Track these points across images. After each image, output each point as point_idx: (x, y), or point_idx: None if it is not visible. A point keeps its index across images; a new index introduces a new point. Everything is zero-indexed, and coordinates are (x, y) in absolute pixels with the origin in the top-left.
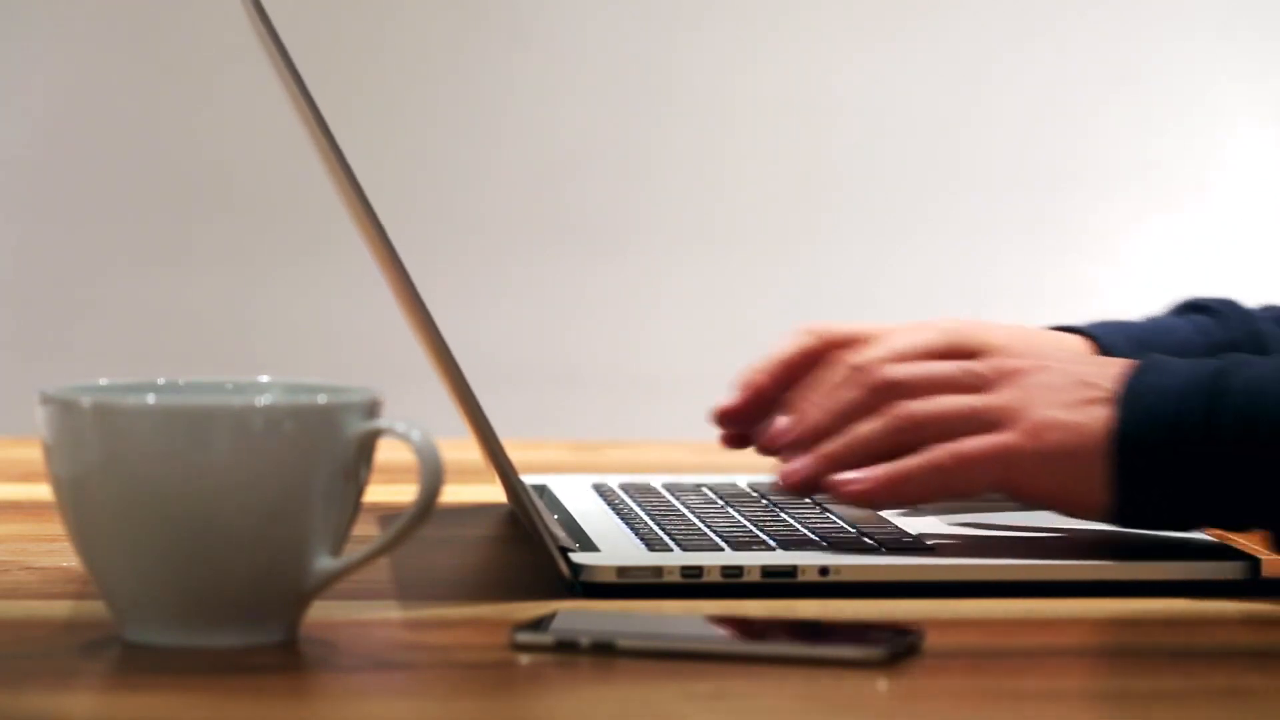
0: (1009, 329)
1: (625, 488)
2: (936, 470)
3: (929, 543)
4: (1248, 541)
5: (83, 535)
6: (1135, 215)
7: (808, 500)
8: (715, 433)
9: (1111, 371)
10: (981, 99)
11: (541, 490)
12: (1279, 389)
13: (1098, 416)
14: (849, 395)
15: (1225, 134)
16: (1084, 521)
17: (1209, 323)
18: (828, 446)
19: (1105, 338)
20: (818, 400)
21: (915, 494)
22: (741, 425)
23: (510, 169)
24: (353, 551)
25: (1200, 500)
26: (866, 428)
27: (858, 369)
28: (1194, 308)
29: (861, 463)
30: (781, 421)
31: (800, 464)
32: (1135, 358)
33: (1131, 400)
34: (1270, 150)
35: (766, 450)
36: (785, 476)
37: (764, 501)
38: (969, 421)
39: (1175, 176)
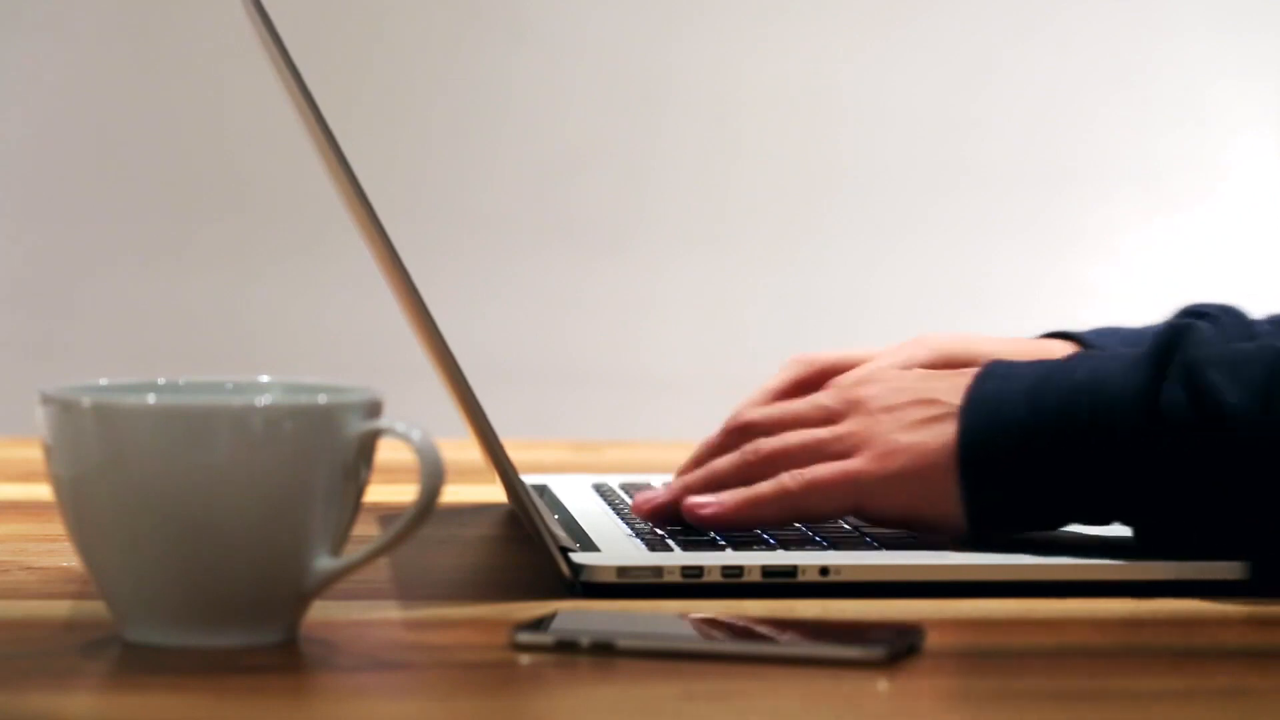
0: (1004, 341)
1: (625, 488)
2: (785, 494)
3: (929, 543)
4: None
5: (83, 535)
6: (1136, 216)
7: None
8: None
9: (960, 384)
10: (982, 99)
11: (541, 490)
12: (1119, 383)
13: (941, 433)
14: (710, 440)
15: (1226, 135)
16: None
17: (1209, 328)
18: (685, 479)
19: (1100, 344)
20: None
21: (767, 517)
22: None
23: (510, 168)
24: (353, 551)
25: (1050, 501)
26: (720, 461)
27: (735, 423)
28: (1194, 314)
29: (715, 490)
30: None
31: (655, 492)
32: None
33: (971, 410)
34: (1271, 151)
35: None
36: (640, 504)
37: None
38: (816, 453)
39: (1176, 177)
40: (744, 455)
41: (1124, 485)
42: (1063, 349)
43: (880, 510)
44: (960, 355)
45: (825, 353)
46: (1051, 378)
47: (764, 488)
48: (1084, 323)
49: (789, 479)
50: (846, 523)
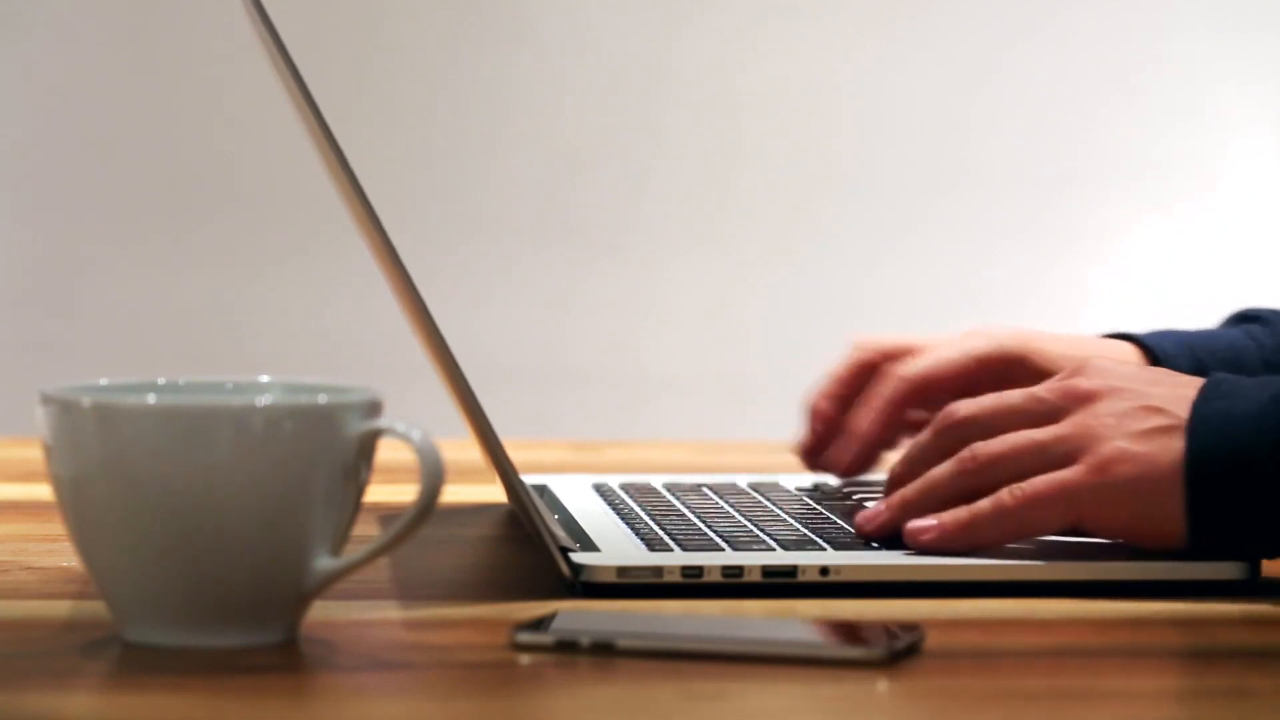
0: (1061, 338)
1: (625, 488)
2: (1004, 514)
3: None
4: None
5: (83, 535)
6: (1135, 216)
7: (808, 500)
8: (716, 432)
9: (1181, 394)
10: (982, 100)
11: (542, 490)
12: None
13: (1168, 447)
14: (922, 439)
15: (1226, 135)
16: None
17: (1262, 331)
18: (904, 492)
19: (1159, 346)
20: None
21: (987, 538)
22: (821, 452)
23: (510, 168)
24: (353, 551)
25: (1272, 526)
26: (937, 471)
27: (947, 420)
28: (1245, 317)
29: (934, 506)
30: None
31: (876, 510)
32: (1194, 369)
33: (1201, 428)
34: (1270, 152)
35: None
36: (863, 523)
37: (764, 501)
38: (1037, 458)
39: (1176, 177)
40: (961, 463)
41: None
42: (1121, 349)
43: (1099, 524)
44: (1018, 351)
45: (885, 337)
46: (1276, 405)
47: (983, 508)
48: (1085, 323)
49: (1008, 496)
50: (841, 519)
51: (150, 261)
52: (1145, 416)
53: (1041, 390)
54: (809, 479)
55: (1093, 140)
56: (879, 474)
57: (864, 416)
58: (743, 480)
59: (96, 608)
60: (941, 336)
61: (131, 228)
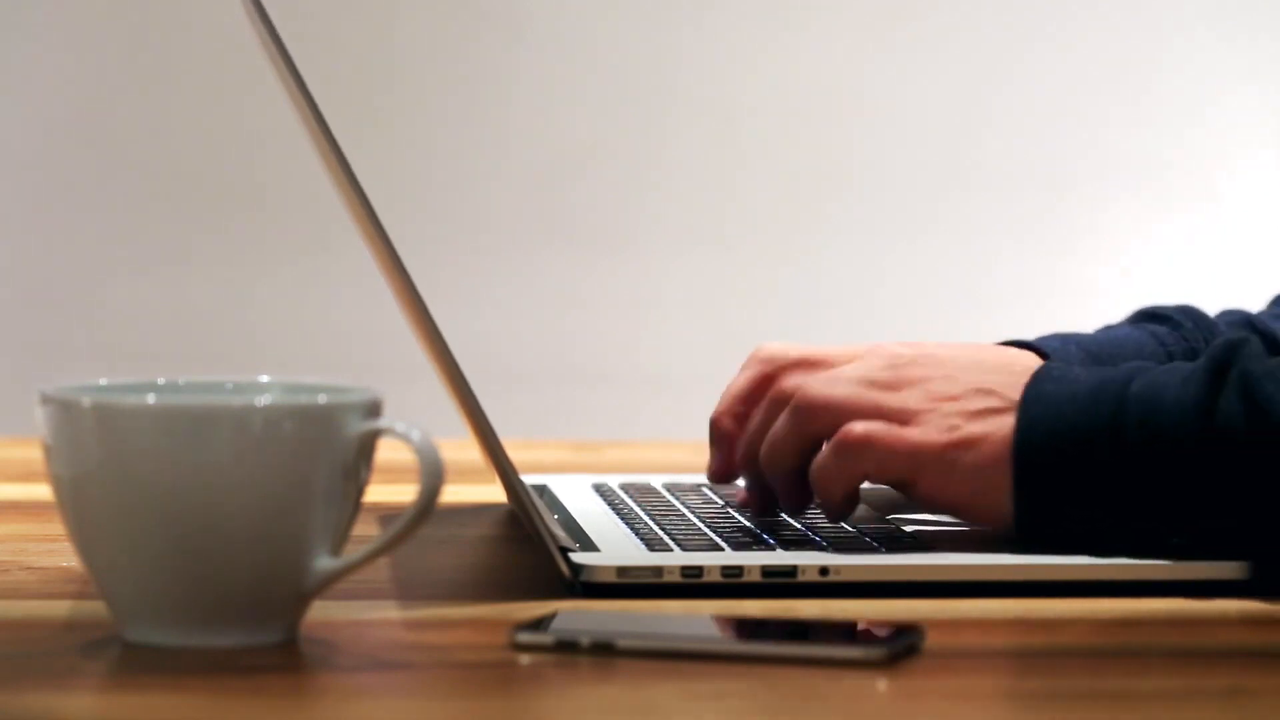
0: (955, 347)
1: (625, 488)
2: (846, 448)
3: (929, 542)
4: None
5: (83, 535)
6: (1138, 218)
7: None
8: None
9: (1014, 380)
10: (987, 100)
11: (541, 490)
12: (1176, 394)
13: (1000, 425)
14: (760, 415)
15: (1231, 137)
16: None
17: (1167, 332)
18: (761, 459)
19: (1057, 352)
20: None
21: (831, 472)
22: (732, 474)
23: (510, 168)
24: (353, 551)
25: (1101, 507)
26: (778, 426)
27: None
28: (1151, 316)
29: (783, 460)
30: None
31: (741, 493)
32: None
33: (1032, 409)
34: (1273, 154)
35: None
36: (743, 504)
37: None
38: (872, 412)
39: (1181, 179)
40: (795, 407)
41: (1177, 496)
42: (1021, 357)
43: (931, 490)
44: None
45: (787, 348)
46: (1107, 387)
47: (824, 453)
48: (1085, 324)
49: (857, 427)
50: (846, 524)
51: (150, 261)
52: (979, 398)
53: (875, 370)
54: None
55: (1096, 143)
56: None
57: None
58: (743, 480)
59: (96, 608)
60: (845, 349)
61: (131, 228)
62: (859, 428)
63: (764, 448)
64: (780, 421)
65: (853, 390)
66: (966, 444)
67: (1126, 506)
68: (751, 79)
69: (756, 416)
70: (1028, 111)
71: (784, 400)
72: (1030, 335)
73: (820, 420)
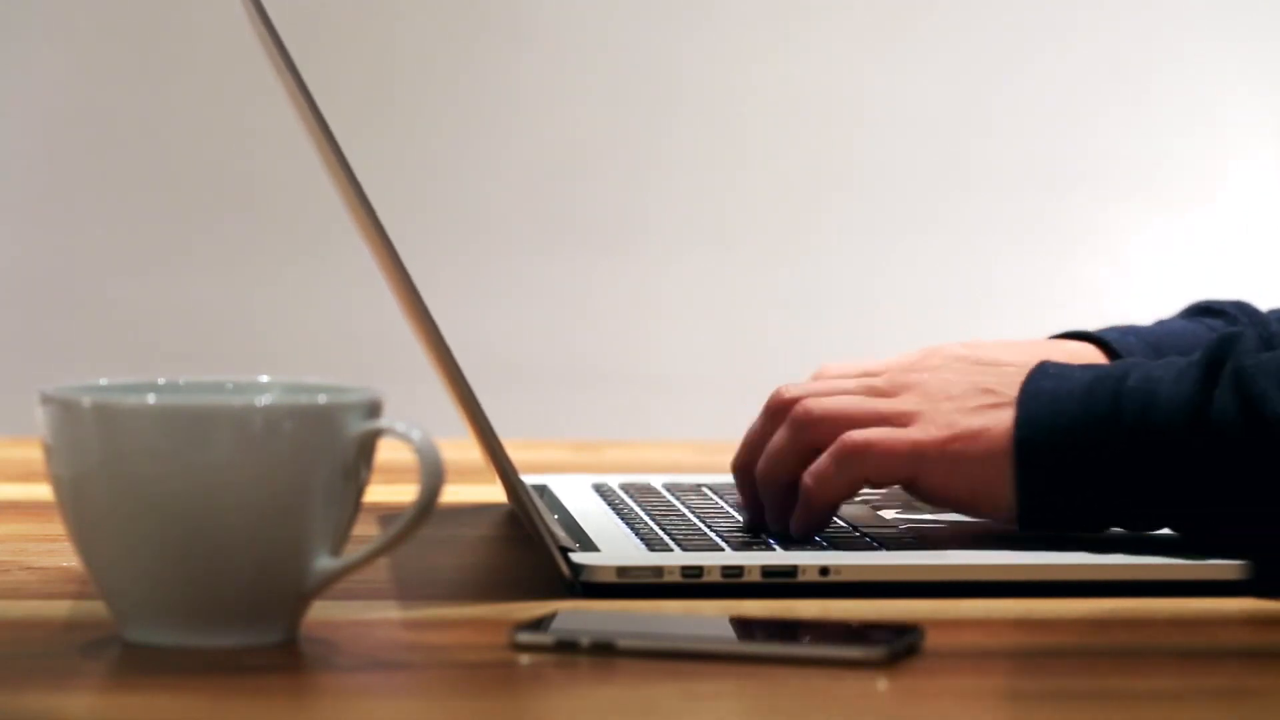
0: (1012, 346)
1: (625, 488)
2: (846, 452)
3: (929, 542)
4: None
5: (83, 535)
6: (1140, 219)
7: None
8: (716, 432)
9: (1013, 378)
10: (988, 101)
11: (541, 490)
12: (1170, 390)
13: (1000, 419)
14: (758, 426)
15: (1230, 139)
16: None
17: (1221, 326)
18: (757, 470)
19: (1117, 342)
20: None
21: (833, 482)
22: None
23: (510, 168)
24: (353, 551)
25: (1100, 500)
26: (775, 437)
27: (778, 401)
28: (1206, 310)
29: (780, 472)
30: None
31: (747, 513)
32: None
33: (1029, 403)
34: (1274, 155)
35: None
36: (771, 525)
37: None
38: (872, 419)
39: (1180, 181)
40: (794, 420)
41: (1173, 490)
42: (1080, 349)
43: (935, 486)
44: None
45: (849, 364)
46: (1103, 381)
47: (824, 459)
48: (1085, 324)
49: (856, 434)
50: (847, 522)
51: (150, 261)
52: (977, 396)
53: (874, 380)
54: None
55: (1098, 144)
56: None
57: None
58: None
59: (96, 608)
60: (903, 358)
61: (131, 228)
62: (858, 435)
63: (762, 459)
64: (780, 433)
65: (851, 401)
66: (966, 438)
67: (1125, 498)
68: (753, 80)
69: (755, 426)
70: (1028, 112)
71: (783, 411)
72: (1030, 335)
73: (819, 430)
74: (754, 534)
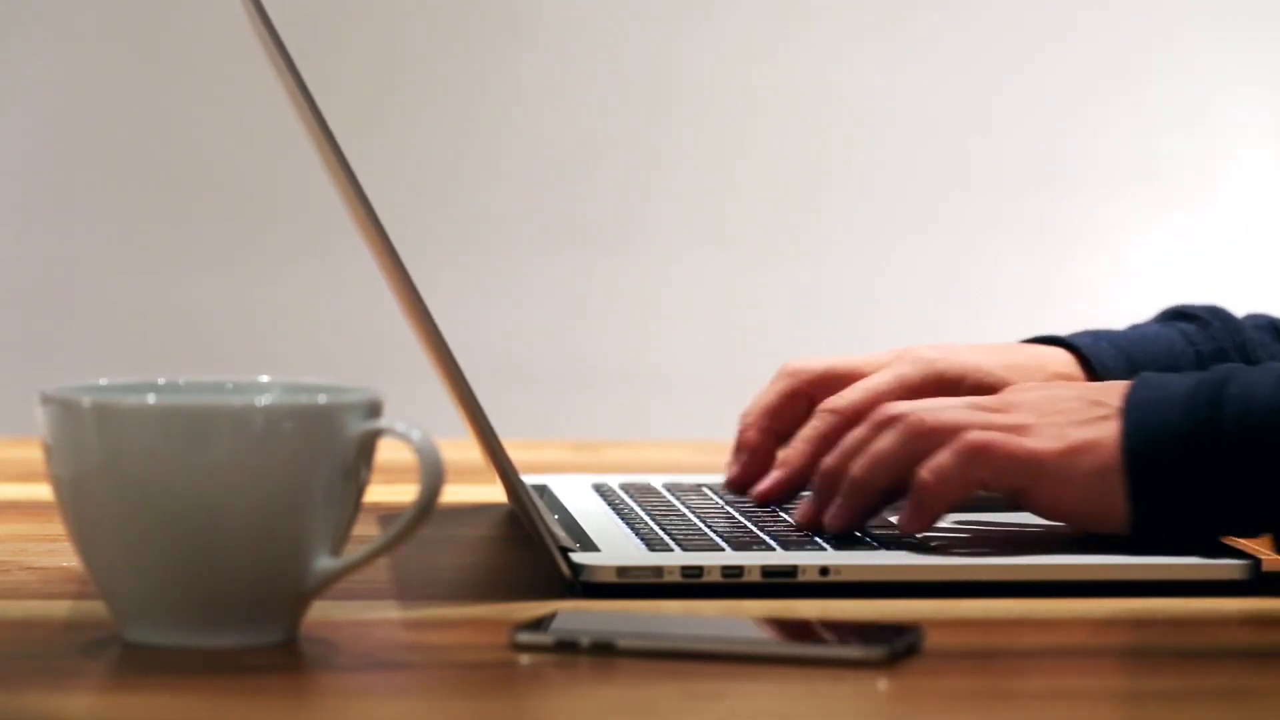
0: (990, 348)
1: (625, 488)
2: (969, 452)
3: (929, 542)
4: (1251, 543)
5: (83, 535)
6: (1139, 219)
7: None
8: (716, 432)
9: (1115, 389)
10: (988, 101)
11: (542, 490)
12: (1274, 393)
13: (1110, 430)
14: (860, 433)
15: (1229, 139)
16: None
17: (1196, 331)
18: (852, 471)
19: (1089, 347)
20: (803, 446)
21: (952, 479)
22: (750, 484)
23: (510, 168)
24: (353, 551)
25: (1212, 507)
26: (882, 442)
27: (850, 411)
28: (1180, 315)
29: (879, 476)
30: (764, 482)
31: (807, 516)
32: (1121, 370)
33: (1135, 412)
34: (1273, 156)
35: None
36: (802, 517)
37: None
38: (988, 428)
39: (1181, 180)
40: (909, 428)
41: (1275, 493)
42: (1051, 353)
43: (1048, 497)
44: (947, 369)
45: (815, 361)
46: (1201, 390)
47: (944, 455)
48: (1085, 324)
49: (978, 434)
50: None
51: (150, 261)
52: (1088, 407)
53: (980, 398)
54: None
55: (1097, 144)
56: None
57: (797, 451)
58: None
59: (96, 608)
60: (872, 358)
61: (131, 227)
62: (979, 435)
63: (863, 460)
64: (888, 439)
65: (964, 413)
66: (1080, 450)
67: (1230, 502)
68: (753, 80)
69: (856, 434)
70: (1028, 112)
71: (888, 422)
72: (1030, 335)
73: (933, 440)
74: (809, 534)
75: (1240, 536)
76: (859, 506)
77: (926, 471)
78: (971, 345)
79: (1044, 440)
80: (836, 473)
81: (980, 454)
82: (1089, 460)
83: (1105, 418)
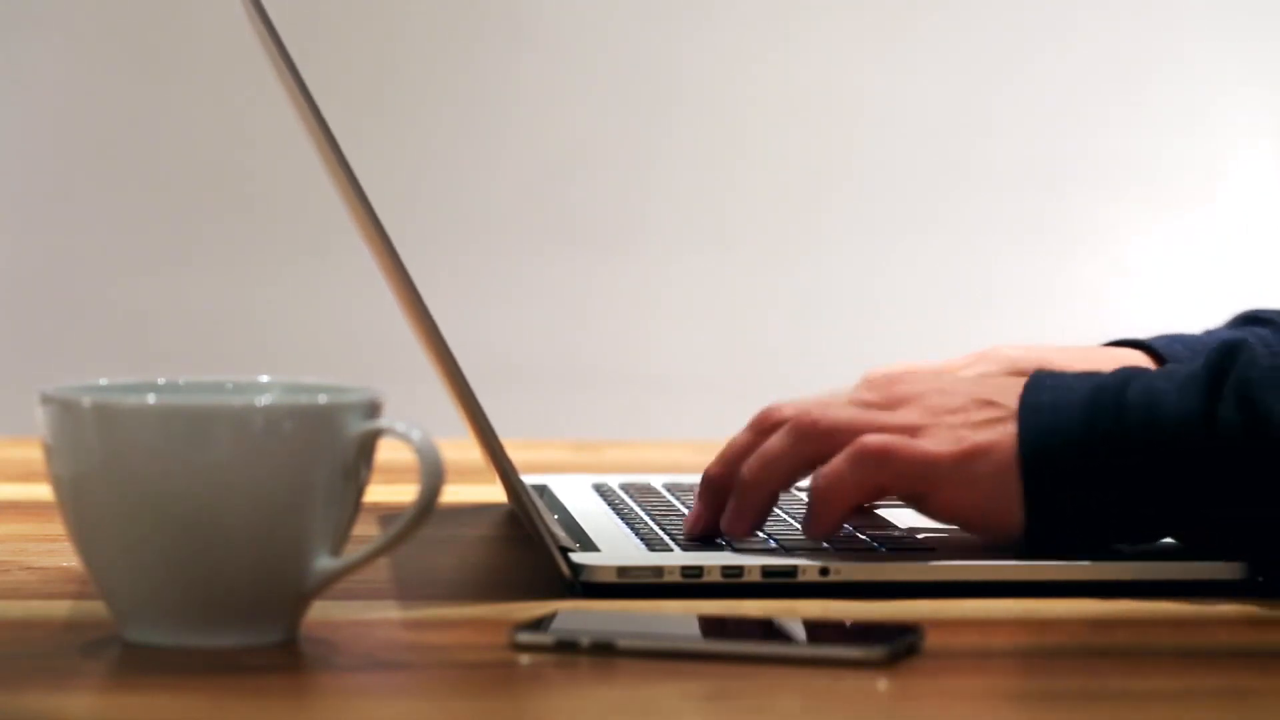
0: (1067, 351)
1: (625, 488)
2: (863, 456)
3: (929, 543)
4: None
5: (83, 535)
6: (1140, 220)
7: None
8: (716, 432)
9: (1010, 388)
10: (988, 101)
11: (542, 490)
12: (1174, 403)
13: (1006, 433)
14: (746, 436)
15: (1232, 138)
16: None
17: (1269, 335)
18: (742, 473)
19: (1169, 351)
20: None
21: (846, 484)
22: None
23: (510, 168)
24: (353, 551)
25: (1106, 514)
26: (772, 442)
27: (770, 418)
28: (1253, 319)
29: (772, 479)
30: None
31: (699, 521)
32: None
33: (1031, 416)
34: (1273, 156)
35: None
36: (690, 531)
37: None
38: (878, 430)
39: (1179, 182)
40: (797, 428)
41: (1180, 503)
42: (1132, 357)
43: (946, 501)
44: (1029, 369)
45: (895, 367)
46: (1104, 393)
47: (838, 460)
48: (1084, 324)
49: (873, 438)
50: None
51: (150, 261)
52: (980, 409)
53: (864, 393)
54: (808, 480)
55: (1097, 145)
56: None
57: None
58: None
59: (96, 608)
60: (952, 361)
61: (131, 227)
62: (875, 439)
63: (752, 462)
64: (777, 440)
65: (853, 412)
66: (976, 453)
67: (1131, 510)
68: (753, 79)
69: (741, 437)
70: (1028, 112)
71: (777, 424)
72: (1030, 336)
73: (822, 441)
74: (703, 541)
75: (1134, 543)
76: (750, 508)
77: (821, 478)
78: (1057, 347)
79: (940, 443)
80: (722, 478)
81: (875, 458)
82: (985, 464)
83: (1000, 420)
